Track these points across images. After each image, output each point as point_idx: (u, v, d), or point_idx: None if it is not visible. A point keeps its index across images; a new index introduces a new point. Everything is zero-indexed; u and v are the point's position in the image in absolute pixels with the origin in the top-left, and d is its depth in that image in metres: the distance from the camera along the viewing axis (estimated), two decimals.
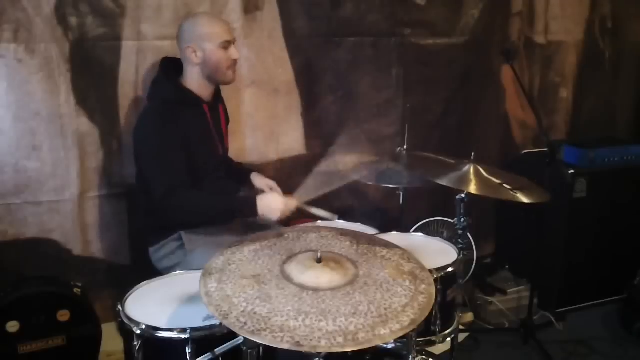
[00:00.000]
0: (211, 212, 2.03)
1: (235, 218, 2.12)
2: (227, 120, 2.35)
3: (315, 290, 1.24)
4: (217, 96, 2.25)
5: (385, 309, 1.21)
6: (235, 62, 2.12)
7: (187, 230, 2.09)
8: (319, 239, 1.52)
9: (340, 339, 1.11)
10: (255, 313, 1.17)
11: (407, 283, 1.33)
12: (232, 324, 1.15)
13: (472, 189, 1.96)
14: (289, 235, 1.53)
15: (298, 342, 1.09)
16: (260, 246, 1.45)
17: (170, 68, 2.14)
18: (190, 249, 2.07)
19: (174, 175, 1.98)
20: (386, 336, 1.14)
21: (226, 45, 2.08)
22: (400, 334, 1.15)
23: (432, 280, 1.36)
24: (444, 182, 1.97)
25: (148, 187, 2.04)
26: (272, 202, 2.02)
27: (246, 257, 1.40)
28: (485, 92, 3.15)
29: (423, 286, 1.32)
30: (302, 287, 1.25)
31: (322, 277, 1.29)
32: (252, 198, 2.03)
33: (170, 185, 1.95)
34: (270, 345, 1.10)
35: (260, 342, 1.11)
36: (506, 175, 2.12)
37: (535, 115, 2.74)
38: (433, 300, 1.28)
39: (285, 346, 1.08)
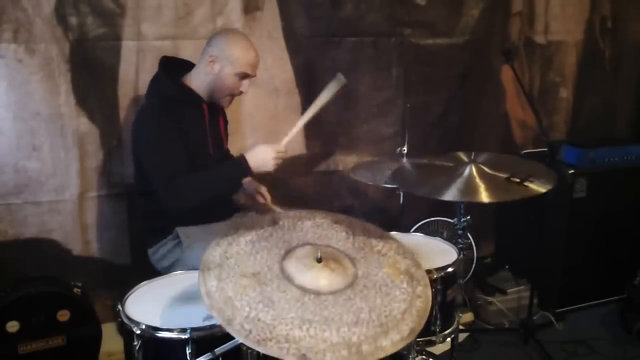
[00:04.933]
0: (211, 188, 2.01)
1: (235, 187, 2.11)
2: (226, 122, 2.34)
3: (317, 294, 1.24)
4: None
5: (386, 316, 1.22)
6: (240, 93, 2.13)
7: (182, 226, 2.09)
8: (315, 228, 1.49)
9: (344, 352, 1.12)
10: (259, 320, 1.16)
11: (405, 285, 1.33)
12: (237, 331, 1.14)
13: (484, 196, 1.91)
14: (284, 223, 1.51)
15: (304, 354, 1.10)
16: (256, 236, 1.43)
17: (170, 66, 2.13)
18: (187, 245, 2.06)
19: (174, 164, 1.97)
20: (388, 348, 1.15)
21: (244, 77, 2.08)
22: (401, 345, 1.17)
23: (427, 281, 1.36)
24: (448, 197, 1.91)
25: (147, 185, 2.03)
26: (261, 153, 2.01)
27: (244, 250, 1.37)
28: (485, 92, 3.15)
29: (420, 288, 1.33)
30: (304, 290, 1.25)
31: (323, 279, 1.28)
32: (242, 157, 2.02)
33: (170, 175, 1.94)
34: (277, 357, 1.10)
35: (266, 353, 1.11)
36: (510, 166, 2.08)
37: (535, 115, 2.73)
38: (430, 305, 1.29)
39: (291, 359, 1.09)
